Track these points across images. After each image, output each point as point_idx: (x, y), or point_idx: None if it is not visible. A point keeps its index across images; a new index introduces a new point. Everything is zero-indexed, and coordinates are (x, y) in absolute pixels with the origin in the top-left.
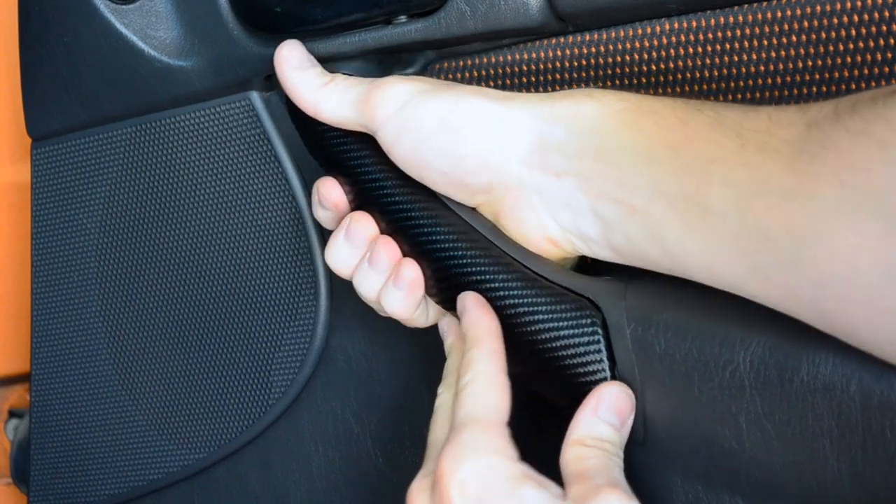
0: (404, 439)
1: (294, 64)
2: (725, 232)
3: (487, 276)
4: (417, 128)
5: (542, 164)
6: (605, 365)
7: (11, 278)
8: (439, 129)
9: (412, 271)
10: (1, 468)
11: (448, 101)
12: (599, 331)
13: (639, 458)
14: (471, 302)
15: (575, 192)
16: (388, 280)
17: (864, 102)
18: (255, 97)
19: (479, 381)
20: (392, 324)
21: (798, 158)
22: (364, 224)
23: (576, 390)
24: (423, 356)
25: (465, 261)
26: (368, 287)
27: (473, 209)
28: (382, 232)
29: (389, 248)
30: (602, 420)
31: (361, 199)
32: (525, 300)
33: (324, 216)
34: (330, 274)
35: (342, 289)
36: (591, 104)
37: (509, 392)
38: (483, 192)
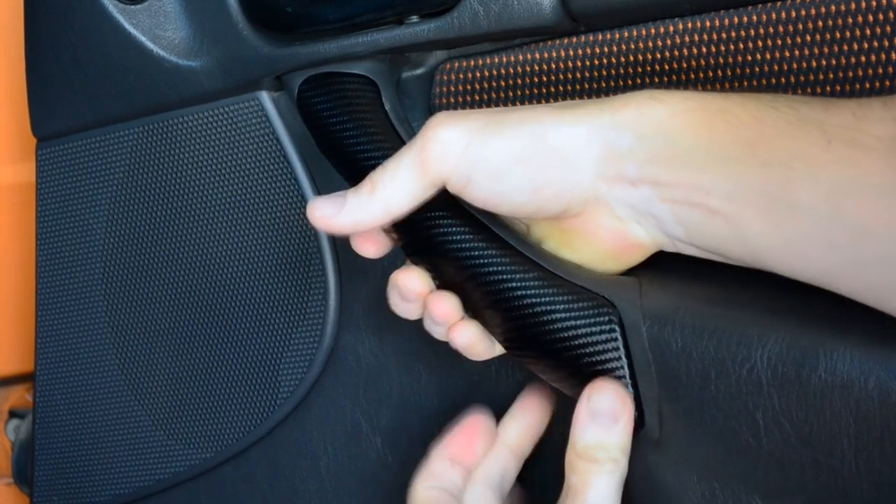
0: (413, 439)
1: (331, 211)
2: (815, 226)
3: (505, 276)
4: (487, 169)
5: (616, 174)
6: (624, 362)
7: (12, 279)
8: (509, 165)
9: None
10: (1, 468)
11: (510, 135)
12: (617, 328)
13: (654, 456)
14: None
15: (653, 200)
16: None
17: None
18: (265, 97)
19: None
20: (401, 323)
21: (895, 155)
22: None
23: None
24: (433, 355)
25: (482, 260)
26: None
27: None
28: (397, 231)
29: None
30: (598, 425)
31: None
32: (542, 298)
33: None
34: (339, 273)
35: (351, 288)
36: (654, 107)
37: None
38: (559, 213)
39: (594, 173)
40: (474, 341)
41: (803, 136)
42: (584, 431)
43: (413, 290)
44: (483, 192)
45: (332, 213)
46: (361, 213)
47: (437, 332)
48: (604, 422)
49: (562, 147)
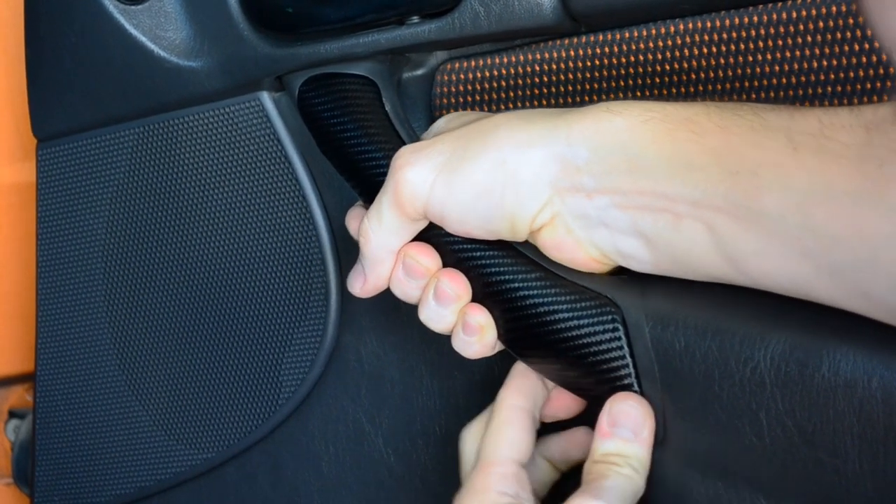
0: (416, 438)
1: (360, 283)
2: (785, 234)
3: (507, 276)
4: (456, 205)
5: (571, 185)
6: (628, 362)
7: (11, 279)
8: (475, 199)
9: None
10: (1, 469)
11: (472, 170)
12: (620, 328)
13: (658, 456)
14: None
15: (610, 210)
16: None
17: None
18: (265, 97)
19: (496, 422)
20: (403, 323)
21: (865, 162)
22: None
23: (600, 387)
24: (435, 356)
25: (484, 261)
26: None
27: None
28: None
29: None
30: (617, 437)
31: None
32: (546, 298)
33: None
34: (341, 273)
35: None
36: (612, 120)
37: (527, 430)
38: (531, 231)
39: (551, 188)
40: (487, 324)
41: (770, 143)
42: (603, 442)
43: (422, 265)
44: (457, 224)
45: (363, 283)
46: (378, 269)
47: (445, 315)
48: (625, 434)
49: (519, 171)
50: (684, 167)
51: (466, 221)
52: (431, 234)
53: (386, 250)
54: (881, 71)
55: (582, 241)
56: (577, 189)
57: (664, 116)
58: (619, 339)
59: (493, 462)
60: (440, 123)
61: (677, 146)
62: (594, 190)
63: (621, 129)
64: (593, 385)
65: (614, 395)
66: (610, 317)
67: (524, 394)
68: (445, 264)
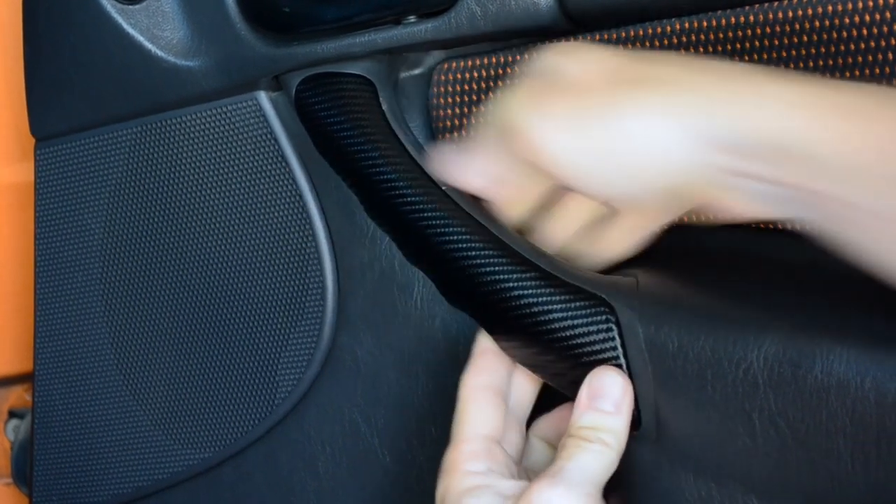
0: (411, 438)
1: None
2: None
3: (502, 276)
4: (585, 166)
5: (725, 166)
6: (621, 362)
7: (10, 279)
8: (603, 160)
9: None
10: (0, 468)
11: (593, 135)
12: (614, 328)
13: (651, 456)
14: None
15: (773, 189)
16: None
17: None
18: (263, 97)
19: (459, 404)
20: (400, 324)
21: None
22: None
23: None
24: (431, 356)
25: (479, 261)
26: None
27: (484, 207)
28: (396, 233)
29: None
30: (596, 409)
31: (374, 201)
32: (540, 298)
33: None
34: (337, 273)
35: (349, 288)
36: (760, 103)
37: (492, 405)
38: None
39: (702, 166)
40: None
41: None
42: (581, 416)
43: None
44: (590, 188)
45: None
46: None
47: None
48: (603, 406)
49: (651, 143)
50: (851, 169)
51: (599, 185)
52: (429, 230)
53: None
54: (877, 70)
55: (747, 208)
56: (734, 171)
57: (816, 102)
58: (613, 339)
59: (460, 441)
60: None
61: (838, 140)
62: (757, 176)
63: (772, 115)
64: None
65: (595, 368)
66: (604, 317)
67: (485, 371)
68: (439, 261)
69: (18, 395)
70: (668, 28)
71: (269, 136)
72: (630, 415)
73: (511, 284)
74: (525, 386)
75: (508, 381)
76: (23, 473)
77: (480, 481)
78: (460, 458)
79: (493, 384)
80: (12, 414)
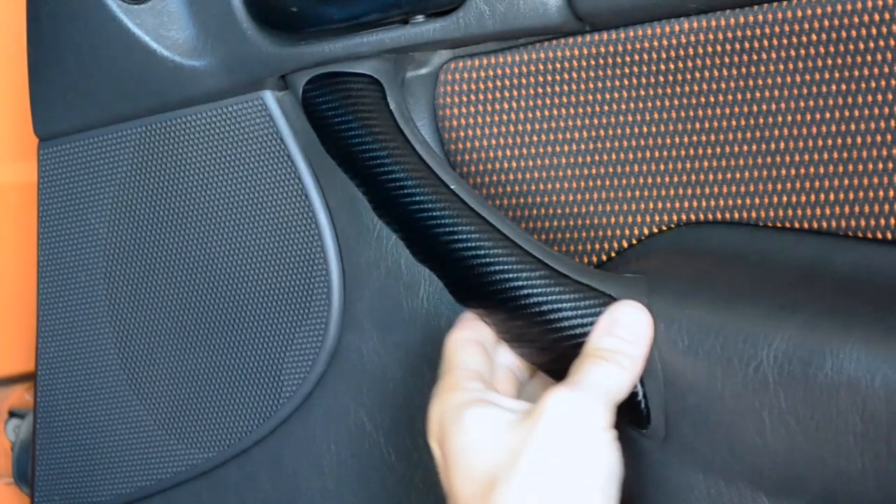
0: (417, 437)
1: None
2: None
3: (511, 275)
4: None
5: None
6: None
7: (12, 278)
8: None
9: None
10: (1, 468)
11: None
12: None
13: (660, 455)
14: None
15: None
16: None
17: None
18: (269, 97)
19: (446, 353)
20: (405, 322)
21: None
22: None
23: None
24: (436, 354)
25: (489, 259)
26: None
27: (495, 207)
28: (404, 232)
29: None
30: (615, 335)
31: (382, 200)
32: (550, 297)
33: None
34: (343, 272)
35: (355, 287)
36: None
37: (479, 352)
38: None
39: None
40: None
41: None
42: (600, 339)
43: None
44: None
45: None
46: None
47: None
48: (622, 334)
49: None
50: None
51: None
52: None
53: None
54: (885, 70)
55: None
56: None
57: None
58: None
59: (451, 369)
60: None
61: None
62: None
63: None
64: None
65: (616, 302)
66: None
67: (470, 328)
68: (446, 260)
69: (19, 395)
70: (677, 27)
71: (275, 135)
72: (649, 347)
73: (520, 283)
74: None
75: (494, 344)
76: (24, 473)
77: (481, 396)
78: (456, 379)
79: (479, 338)
80: (13, 414)
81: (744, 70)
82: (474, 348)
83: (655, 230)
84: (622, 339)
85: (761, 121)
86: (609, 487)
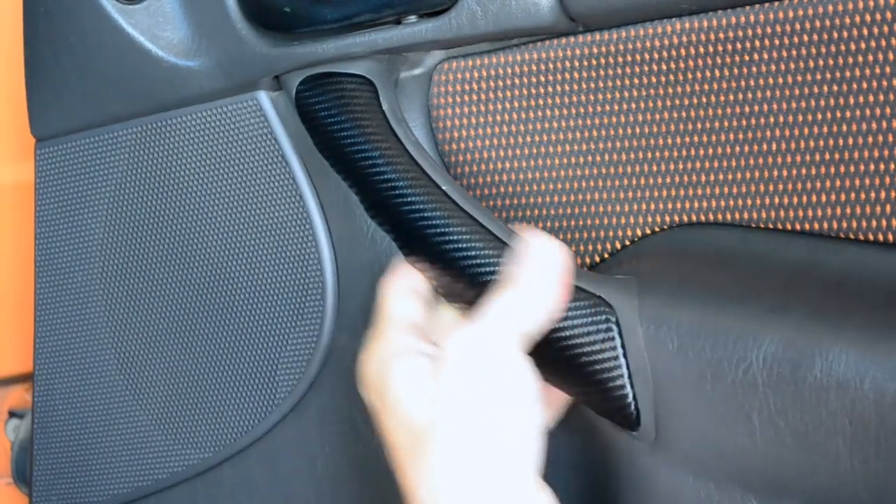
0: None
1: None
2: None
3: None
4: None
5: None
6: (621, 362)
7: (10, 279)
8: None
9: None
10: (0, 468)
11: None
12: (615, 328)
13: (650, 457)
14: None
15: None
16: None
17: None
18: (263, 97)
19: (377, 308)
20: None
21: None
22: None
23: (592, 387)
24: None
25: (480, 260)
26: None
27: (488, 208)
28: (396, 232)
29: None
30: (519, 264)
31: (374, 201)
32: None
33: None
34: (337, 272)
35: (349, 287)
36: None
37: (409, 297)
38: None
39: None
40: None
41: None
42: (502, 270)
43: None
44: None
45: None
46: None
47: None
48: (527, 261)
49: None
50: None
51: None
52: (427, 230)
53: None
54: (877, 70)
55: None
56: None
57: None
58: (613, 339)
59: (381, 318)
60: None
61: None
62: None
63: None
64: (586, 385)
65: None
66: (604, 317)
67: (404, 276)
68: (436, 261)
69: (18, 395)
70: (669, 28)
71: (269, 136)
72: (559, 275)
73: None
74: None
75: (432, 295)
76: (23, 473)
77: (410, 345)
78: (384, 329)
79: (414, 286)
80: (12, 414)
81: (736, 71)
82: (408, 296)
83: (648, 231)
84: (525, 266)
85: (753, 122)
86: (528, 408)
